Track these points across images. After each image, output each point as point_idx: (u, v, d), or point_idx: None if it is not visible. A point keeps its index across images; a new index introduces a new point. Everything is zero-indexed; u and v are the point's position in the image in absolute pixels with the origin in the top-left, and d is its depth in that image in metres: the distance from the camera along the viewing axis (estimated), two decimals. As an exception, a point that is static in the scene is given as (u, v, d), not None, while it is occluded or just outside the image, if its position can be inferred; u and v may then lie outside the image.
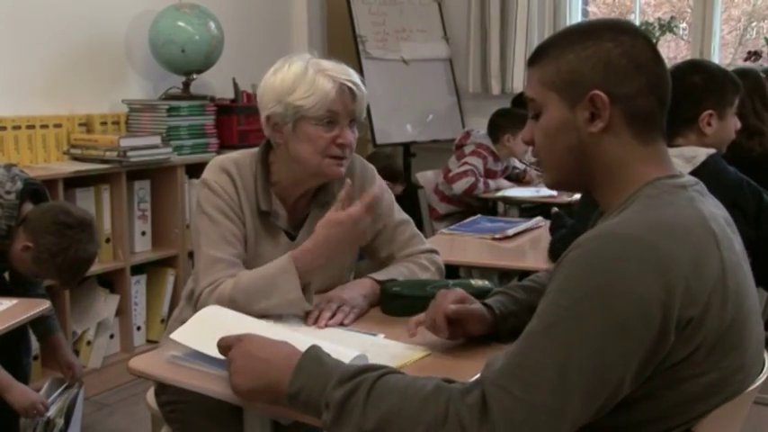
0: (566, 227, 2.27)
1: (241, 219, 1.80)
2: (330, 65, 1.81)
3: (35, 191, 2.45)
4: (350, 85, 1.77)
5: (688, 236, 1.07)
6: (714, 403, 1.12)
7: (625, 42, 1.19)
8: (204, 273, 1.72)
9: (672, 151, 2.23)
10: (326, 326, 1.63)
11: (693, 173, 2.13)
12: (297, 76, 1.77)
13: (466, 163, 4.07)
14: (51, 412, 2.40)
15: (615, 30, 1.21)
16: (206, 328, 1.46)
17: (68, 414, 2.48)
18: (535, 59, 1.25)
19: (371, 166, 1.98)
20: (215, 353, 1.31)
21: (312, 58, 1.83)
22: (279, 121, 1.78)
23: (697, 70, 2.31)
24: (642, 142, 1.20)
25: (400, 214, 1.96)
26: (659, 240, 1.04)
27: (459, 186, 4.01)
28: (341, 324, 1.64)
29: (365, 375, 1.11)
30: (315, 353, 1.19)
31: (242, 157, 1.86)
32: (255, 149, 1.87)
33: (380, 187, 1.92)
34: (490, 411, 1.00)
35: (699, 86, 2.26)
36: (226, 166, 1.82)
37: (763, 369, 1.24)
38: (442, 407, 1.03)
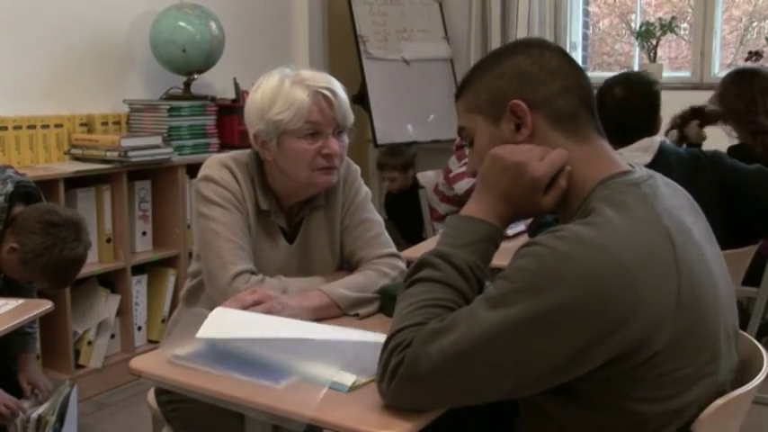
0: (547, 224, 2.29)
1: (245, 212, 1.80)
2: (308, 74, 1.77)
3: (28, 193, 2.42)
4: (325, 92, 1.73)
5: (642, 240, 1.10)
6: (695, 394, 1.14)
7: (534, 53, 1.25)
8: (233, 258, 1.71)
9: (630, 147, 2.41)
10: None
11: (654, 159, 2.40)
12: (274, 90, 1.74)
13: (467, 164, 4.07)
14: (42, 410, 2.38)
15: (524, 45, 1.29)
16: (226, 324, 1.48)
17: (62, 413, 2.46)
18: (459, 93, 1.32)
19: (356, 167, 1.96)
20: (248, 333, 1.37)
21: (290, 69, 1.79)
22: (265, 139, 1.77)
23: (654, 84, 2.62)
24: (576, 142, 1.22)
25: (372, 213, 1.94)
26: (613, 246, 1.07)
27: (461, 186, 4.01)
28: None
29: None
30: None
31: (239, 156, 1.86)
32: (249, 150, 1.87)
33: (359, 186, 1.94)
34: (403, 361, 1.12)
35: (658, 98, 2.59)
36: (226, 162, 1.82)
37: (762, 367, 1.24)
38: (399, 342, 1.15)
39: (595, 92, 1.32)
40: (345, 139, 1.81)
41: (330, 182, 1.81)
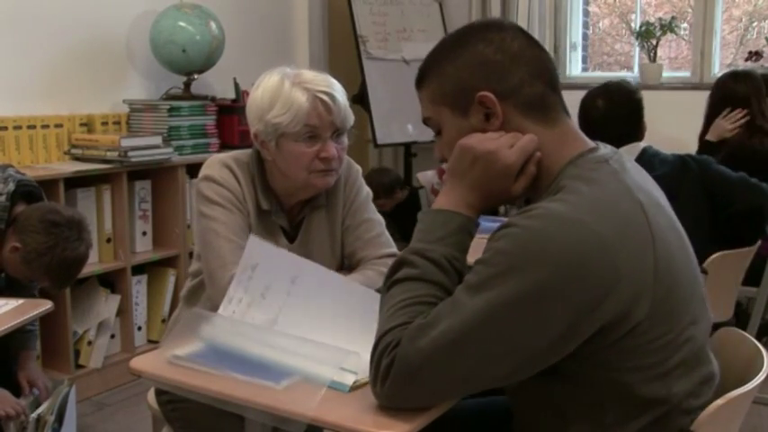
0: None
1: (246, 212, 1.80)
2: (309, 75, 1.76)
3: (29, 192, 2.42)
4: (323, 96, 1.72)
5: (616, 211, 1.11)
6: (678, 358, 1.15)
7: (494, 39, 1.23)
8: (233, 258, 1.67)
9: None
10: None
11: (636, 159, 2.43)
12: (273, 92, 1.74)
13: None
14: (41, 410, 2.38)
15: (482, 30, 1.26)
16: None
17: (61, 413, 2.46)
18: (420, 82, 1.30)
19: (357, 167, 1.96)
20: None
21: (291, 69, 1.79)
22: (264, 139, 1.78)
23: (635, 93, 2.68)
24: (545, 126, 1.22)
25: (373, 213, 1.94)
26: (588, 218, 1.08)
27: None
28: None
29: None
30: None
31: (239, 156, 1.86)
32: (251, 150, 1.87)
33: (361, 186, 1.94)
34: (394, 360, 1.12)
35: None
36: (227, 162, 1.82)
37: (762, 368, 1.25)
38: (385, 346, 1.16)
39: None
40: (344, 140, 1.81)
41: (328, 184, 1.81)
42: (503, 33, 1.24)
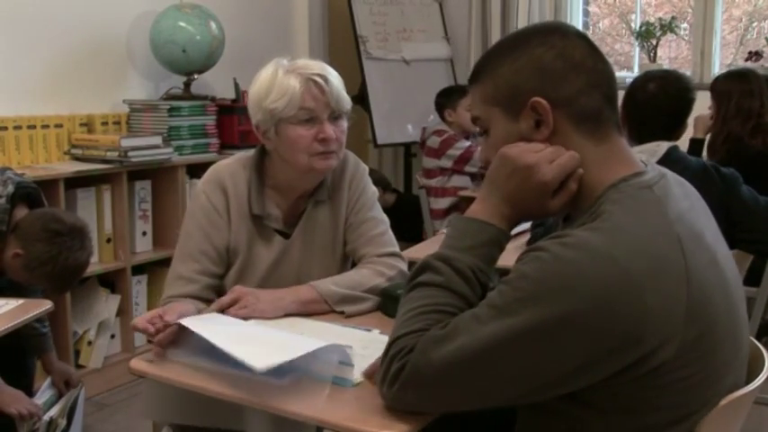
0: (543, 225, 2.28)
1: (223, 233, 1.82)
2: (301, 62, 1.80)
3: (29, 194, 2.42)
4: (316, 78, 1.75)
5: (652, 248, 1.06)
6: (700, 401, 1.12)
7: (556, 44, 1.18)
8: (167, 285, 1.83)
9: (637, 148, 2.35)
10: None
11: (659, 162, 2.26)
12: (269, 81, 1.77)
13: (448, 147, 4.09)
14: (53, 412, 2.39)
15: (544, 33, 1.21)
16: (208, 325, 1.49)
17: (70, 414, 2.47)
18: (474, 78, 1.25)
19: (364, 166, 1.97)
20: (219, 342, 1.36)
21: (286, 61, 1.82)
22: (265, 128, 1.80)
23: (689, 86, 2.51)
24: (595, 142, 1.17)
25: (377, 213, 1.94)
26: (620, 255, 1.03)
27: (456, 150, 4.03)
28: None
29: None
30: None
31: (243, 160, 1.88)
32: (254, 150, 1.89)
33: (366, 185, 1.95)
34: (404, 367, 1.12)
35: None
36: (221, 177, 1.84)
37: (763, 367, 1.24)
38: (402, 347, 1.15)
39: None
40: (343, 124, 1.82)
41: (329, 166, 1.81)
42: (566, 40, 1.18)
